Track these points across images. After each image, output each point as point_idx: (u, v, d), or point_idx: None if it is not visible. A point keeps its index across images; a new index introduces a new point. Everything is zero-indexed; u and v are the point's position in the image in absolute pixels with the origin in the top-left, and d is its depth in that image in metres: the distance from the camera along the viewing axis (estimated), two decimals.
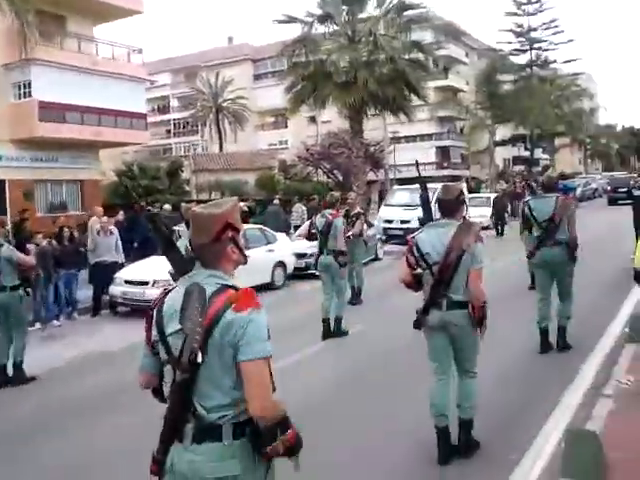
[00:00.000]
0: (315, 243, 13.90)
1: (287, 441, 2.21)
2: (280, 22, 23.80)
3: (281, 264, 13.23)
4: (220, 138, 49.77)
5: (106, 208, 21.18)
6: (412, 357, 6.54)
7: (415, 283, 4.60)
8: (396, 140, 40.73)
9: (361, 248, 11.61)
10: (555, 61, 49.10)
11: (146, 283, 10.95)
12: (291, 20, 23.68)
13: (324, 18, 23.42)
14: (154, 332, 2.36)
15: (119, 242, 12.38)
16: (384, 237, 17.72)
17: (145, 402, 2.60)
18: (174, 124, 60.69)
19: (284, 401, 2.25)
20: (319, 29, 23.61)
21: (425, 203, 4.68)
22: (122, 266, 12.20)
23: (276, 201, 21.67)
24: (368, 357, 7.44)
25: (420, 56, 23.47)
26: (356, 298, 11.06)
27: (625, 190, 26.44)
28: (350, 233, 10.46)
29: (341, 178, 30.66)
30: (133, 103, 23.61)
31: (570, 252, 7.00)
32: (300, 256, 14.05)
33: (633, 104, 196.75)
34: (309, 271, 13.92)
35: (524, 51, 48.66)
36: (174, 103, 61.23)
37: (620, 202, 27.61)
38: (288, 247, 14.07)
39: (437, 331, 4.46)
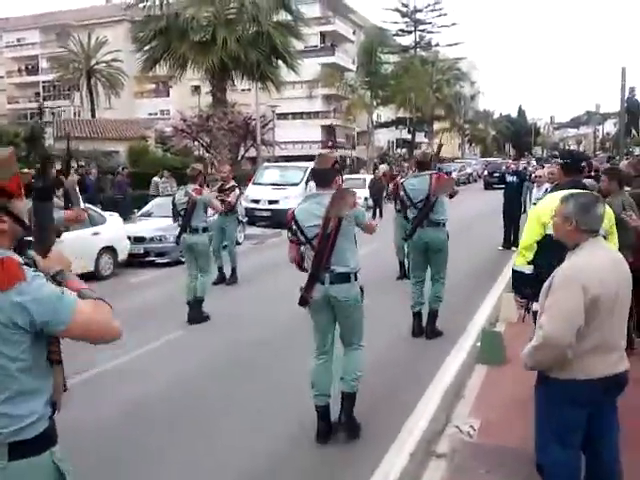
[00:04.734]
0: (157, 226, 12.47)
1: None
2: None
3: (109, 249, 11.27)
4: (92, 103, 45.98)
5: None
6: (286, 340, 6.76)
7: (302, 260, 4.46)
8: (282, 116, 39.18)
9: (234, 224, 11.00)
10: (438, 44, 49.41)
11: None
12: None
13: None
14: None
15: None
16: (245, 219, 16.19)
17: None
18: (44, 87, 55.82)
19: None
20: None
21: None
22: None
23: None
24: (240, 341, 7.05)
25: (289, 19, 21.46)
26: (232, 277, 10.60)
27: (499, 175, 27.20)
28: (229, 199, 10.32)
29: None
30: None
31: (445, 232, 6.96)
32: (138, 240, 12.26)
33: (508, 91, 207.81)
34: (149, 258, 12.30)
35: (409, 32, 48.57)
36: (44, 64, 56.20)
37: (495, 186, 28.06)
38: (120, 230, 12.02)
39: (321, 306, 4.34)
